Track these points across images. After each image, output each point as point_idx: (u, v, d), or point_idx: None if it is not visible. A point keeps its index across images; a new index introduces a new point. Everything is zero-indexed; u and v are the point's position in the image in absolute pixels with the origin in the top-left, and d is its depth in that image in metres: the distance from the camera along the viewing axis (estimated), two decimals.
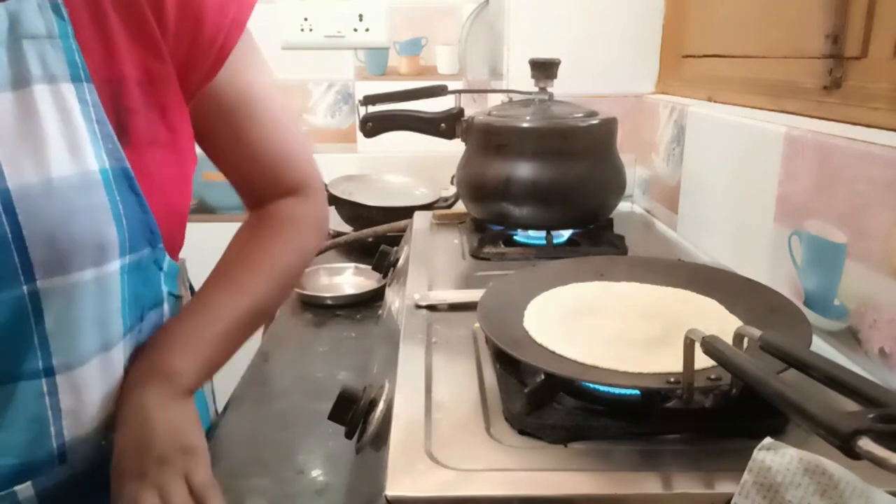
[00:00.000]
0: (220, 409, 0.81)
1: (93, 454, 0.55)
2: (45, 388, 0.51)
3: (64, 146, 0.49)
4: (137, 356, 0.57)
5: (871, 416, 0.32)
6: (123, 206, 0.52)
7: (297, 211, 0.69)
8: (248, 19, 0.61)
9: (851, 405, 0.37)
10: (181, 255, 0.67)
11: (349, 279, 1.22)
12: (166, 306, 0.62)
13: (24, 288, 0.49)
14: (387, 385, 0.56)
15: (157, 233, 0.56)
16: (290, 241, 0.68)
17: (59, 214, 0.48)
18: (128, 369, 0.56)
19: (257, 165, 0.67)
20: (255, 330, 0.64)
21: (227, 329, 0.60)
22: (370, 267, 1.05)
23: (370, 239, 1.25)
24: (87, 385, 0.53)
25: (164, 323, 0.61)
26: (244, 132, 0.65)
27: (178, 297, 0.65)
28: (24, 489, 0.52)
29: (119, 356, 0.55)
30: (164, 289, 0.61)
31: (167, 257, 0.59)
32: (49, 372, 0.51)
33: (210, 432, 0.73)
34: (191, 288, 0.72)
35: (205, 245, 0.76)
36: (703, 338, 0.43)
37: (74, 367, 0.52)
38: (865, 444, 0.30)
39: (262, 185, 0.69)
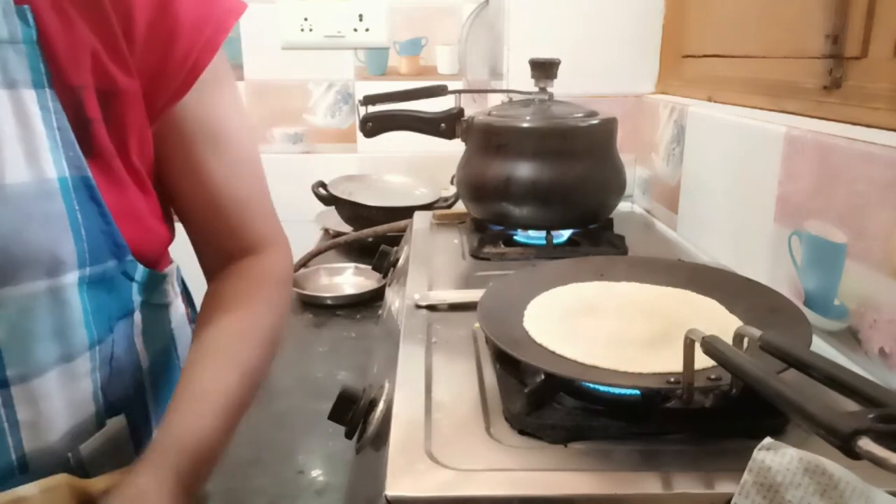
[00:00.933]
0: None
1: (57, 465, 0.53)
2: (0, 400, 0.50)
3: (20, 151, 0.47)
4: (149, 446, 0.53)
5: (870, 416, 0.32)
6: (83, 217, 0.50)
7: (270, 269, 0.65)
8: (223, 42, 0.58)
9: (851, 405, 0.37)
10: (175, 257, 0.66)
11: (349, 279, 1.22)
12: (138, 315, 0.59)
13: None
14: (387, 385, 0.56)
15: (122, 245, 0.54)
16: (271, 302, 0.64)
17: (11, 222, 0.47)
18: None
19: (218, 210, 0.62)
20: (249, 407, 0.59)
21: (228, 414, 0.55)
22: (370, 267, 1.05)
23: (370, 239, 1.25)
24: (45, 396, 0.52)
25: (167, 416, 0.54)
26: (205, 167, 0.60)
27: (159, 306, 0.62)
28: None
29: (84, 366, 0.53)
30: (137, 298, 0.59)
31: (139, 267, 0.57)
32: (3, 384, 0.50)
33: None
34: (185, 289, 0.71)
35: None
36: (703, 338, 0.43)
37: (30, 379, 0.51)
38: (865, 444, 0.30)
39: (223, 236, 0.63)
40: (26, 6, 0.48)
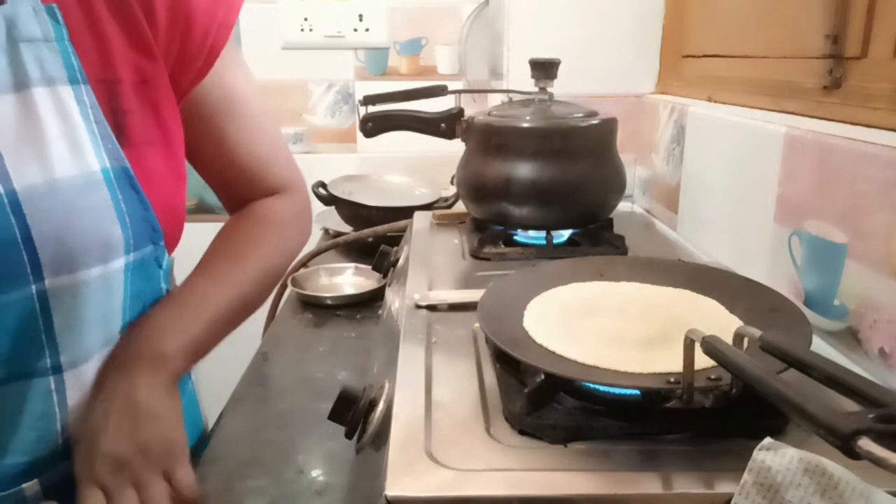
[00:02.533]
0: (214, 415, 0.81)
1: None
2: (52, 386, 0.52)
3: (65, 147, 0.50)
4: (121, 340, 0.57)
5: (871, 416, 0.32)
6: (126, 205, 0.53)
7: (280, 209, 0.70)
8: (236, 21, 0.62)
9: (851, 405, 0.37)
10: (174, 253, 0.67)
11: (349, 279, 1.22)
12: None
13: (33, 287, 0.49)
14: (387, 385, 0.56)
15: (158, 230, 0.57)
16: (274, 238, 0.69)
17: (64, 214, 0.49)
18: (113, 352, 0.56)
19: (238, 168, 0.68)
20: (237, 324, 0.65)
21: (212, 318, 0.60)
22: (370, 267, 1.05)
23: (370, 239, 1.25)
24: (90, 381, 0.54)
25: (149, 310, 0.60)
26: (226, 134, 0.66)
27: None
28: (31, 486, 0.53)
29: None
30: (163, 286, 0.62)
31: (166, 255, 0.60)
32: (57, 369, 0.52)
33: (201, 443, 0.73)
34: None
35: (205, 245, 0.76)
36: (703, 338, 0.43)
37: (80, 364, 0.53)
38: (865, 444, 0.30)
39: (243, 187, 0.70)
40: (54, 4, 0.51)
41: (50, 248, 0.49)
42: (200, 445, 0.71)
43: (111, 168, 0.52)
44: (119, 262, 0.53)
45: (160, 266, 0.59)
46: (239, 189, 0.70)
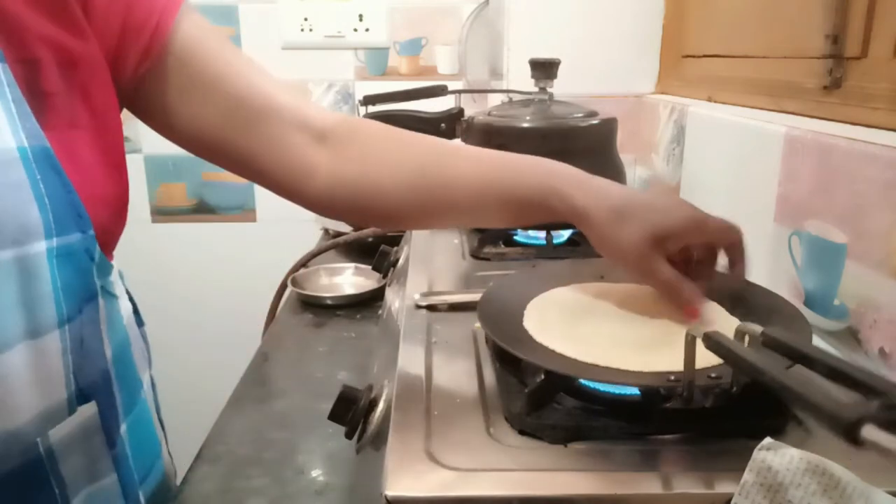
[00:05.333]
0: (214, 416, 0.81)
1: (25, 451, 0.50)
2: None
3: None
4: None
5: (874, 404, 0.32)
6: (45, 186, 0.50)
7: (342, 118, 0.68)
8: (183, 2, 0.60)
9: (855, 398, 0.37)
10: (141, 264, 0.64)
11: (349, 279, 1.22)
12: (102, 301, 0.58)
13: None
14: (387, 385, 0.56)
15: (85, 217, 0.53)
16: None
17: None
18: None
19: (265, 96, 0.64)
20: None
21: None
22: (370, 267, 1.05)
23: (370, 239, 1.25)
24: (11, 372, 0.50)
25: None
26: (220, 81, 0.62)
27: (112, 296, 0.61)
28: None
29: (54, 345, 0.52)
30: (97, 282, 0.57)
31: (98, 248, 0.56)
32: None
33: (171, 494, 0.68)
34: (129, 298, 0.68)
35: (204, 245, 0.76)
36: (705, 333, 0.43)
37: None
38: (870, 432, 0.30)
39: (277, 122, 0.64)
40: None
41: None
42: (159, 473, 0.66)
43: (29, 147, 0.49)
44: (39, 246, 0.50)
45: (92, 259, 0.55)
46: (273, 127, 0.64)
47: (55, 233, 0.51)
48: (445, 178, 0.64)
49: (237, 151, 0.63)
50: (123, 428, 0.59)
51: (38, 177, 0.50)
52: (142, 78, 0.59)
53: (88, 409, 0.56)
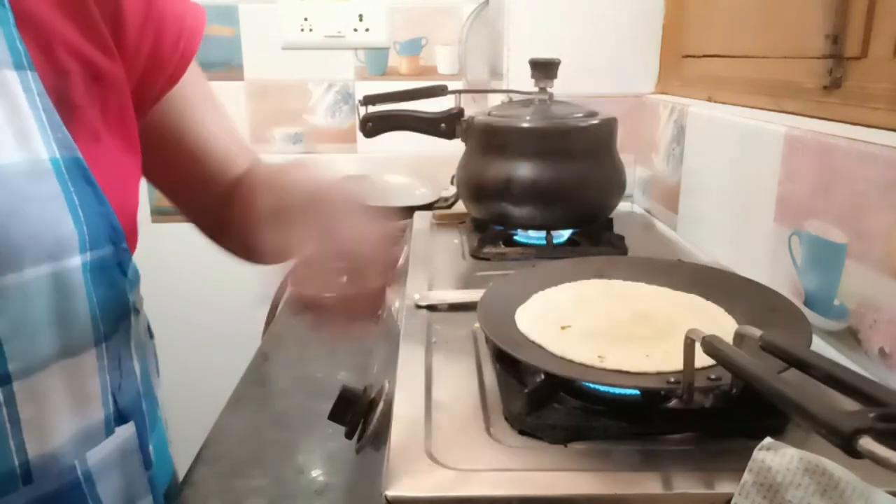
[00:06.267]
0: (214, 416, 0.81)
1: (62, 474, 0.49)
2: (1, 398, 0.46)
3: (10, 132, 0.46)
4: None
5: (871, 415, 0.32)
6: (79, 198, 0.49)
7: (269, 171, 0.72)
8: (204, 29, 0.64)
9: (852, 405, 0.37)
10: (141, 264, 0.65)
11: None
12: (133, 319, 0.57)
13: None
14: (387, 385, 0.56)
15: (118, 229, 0.52)
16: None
17: (9, 203, 0.45)
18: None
19: (220, 152, 0.70)
20: None
21: None
22: None
23: None
24: (48, 392, 0.48)
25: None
26: (203, 126, 0.68)
27: (138, 312, 0.60)
28: None
29: (90, 364, 0.51)
30: (131, 298, 0.56)
31: (132, 262, 0.55)
32: (6, 379, 0.46)
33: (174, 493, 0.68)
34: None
35: (204, 245, 0.76)
36: (703, 337, 0.43)
37: (33, 373, 0.47)
38: (867, 443, 0.30)
39: (219, 175, 0.71)
40: None
41: None
42: (171, 492, 0.66)
43: (61, 158, 0.48)
44: (74, 261, 0.48)
45: (124, 273, 0.54)
46: (214, 180, 0.71)
47: (89, 246, 0.49)
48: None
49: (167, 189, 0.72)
50: (150, 448, 0.57)
51: (72, 188, 0.48)
52: (157, 103, 0.62)
53: (126, 430, 0.55)
